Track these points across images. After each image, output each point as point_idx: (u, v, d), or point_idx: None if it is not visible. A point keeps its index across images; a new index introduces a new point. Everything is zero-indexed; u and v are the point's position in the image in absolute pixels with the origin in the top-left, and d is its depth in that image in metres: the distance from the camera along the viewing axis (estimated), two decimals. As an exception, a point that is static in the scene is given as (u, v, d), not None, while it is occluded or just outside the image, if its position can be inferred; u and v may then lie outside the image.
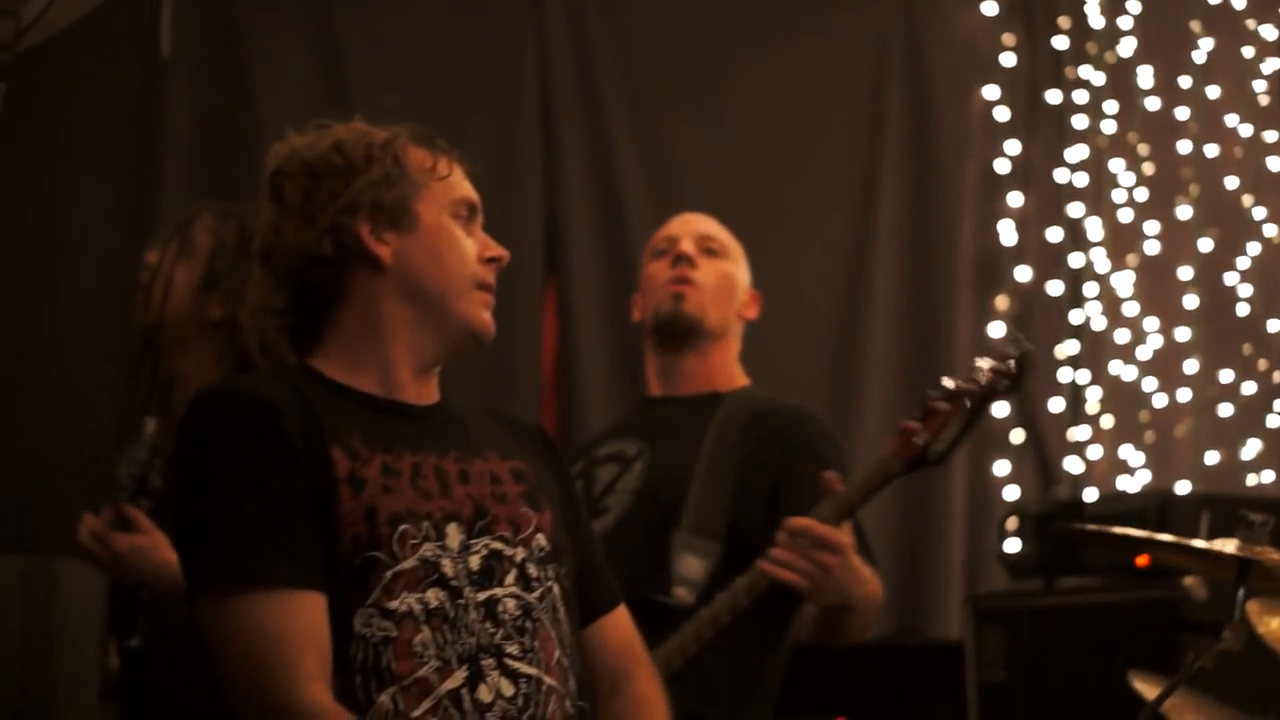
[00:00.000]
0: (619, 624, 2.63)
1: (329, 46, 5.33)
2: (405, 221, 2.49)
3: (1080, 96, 6.03)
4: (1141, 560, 4.45)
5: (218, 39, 5.21)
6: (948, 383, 2.93)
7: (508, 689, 2.33)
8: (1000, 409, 5.75)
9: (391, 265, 2.48)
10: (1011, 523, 5.02)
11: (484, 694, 2.30)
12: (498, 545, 2.40)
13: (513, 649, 2.35)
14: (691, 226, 3.82)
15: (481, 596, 2.35)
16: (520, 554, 2.42)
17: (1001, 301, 5.93)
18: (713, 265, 3.75)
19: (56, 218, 4.97)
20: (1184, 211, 6.02)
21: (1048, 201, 6.00)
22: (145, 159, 5.11)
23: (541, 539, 2.45)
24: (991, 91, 5.98)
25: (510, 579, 2.39)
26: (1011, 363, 2.86)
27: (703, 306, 3.71)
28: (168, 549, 3.37)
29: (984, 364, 2.89)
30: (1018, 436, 5.85)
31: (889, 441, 3.01)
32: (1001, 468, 5.82)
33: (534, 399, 5.42)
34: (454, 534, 2.37)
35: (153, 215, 5.01)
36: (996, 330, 5.88)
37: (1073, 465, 5.84)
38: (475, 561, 2.37)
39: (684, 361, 3.74)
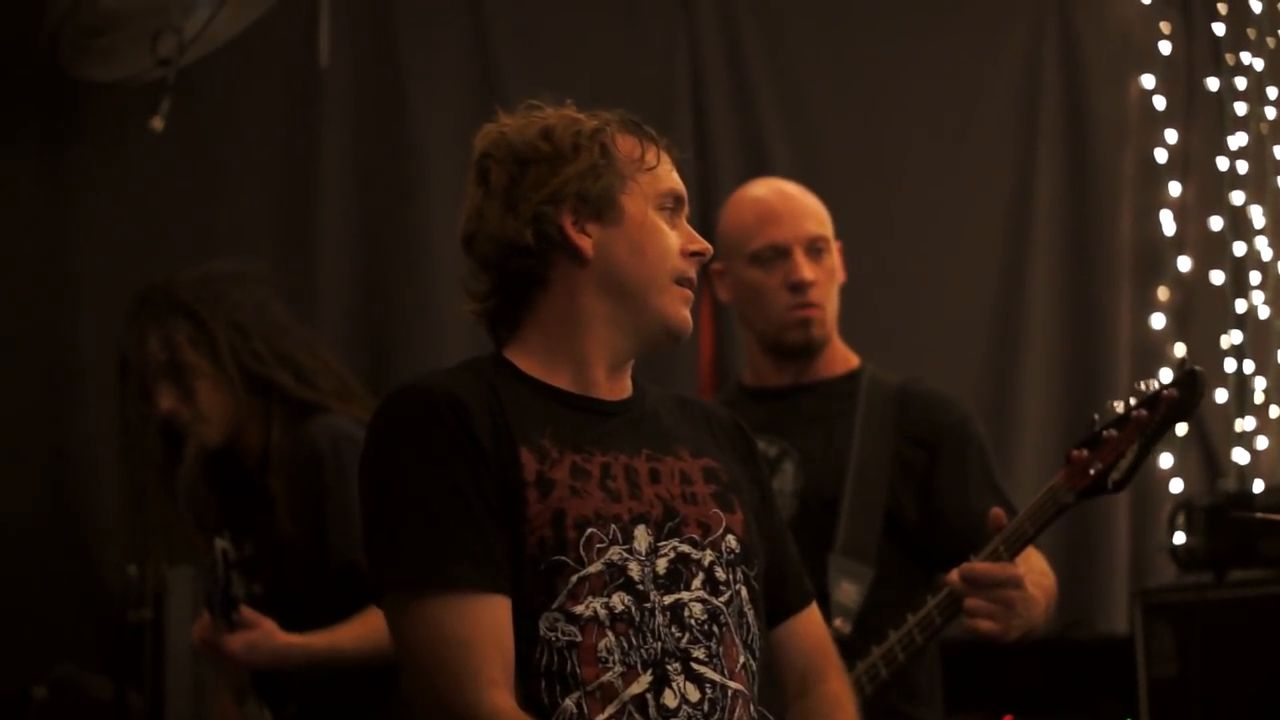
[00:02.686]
0: (811, 623, 2.61)
1: (483, 54, 5.34)
2: (609, 214, 2.47)
3: (1240, 82, 5.93)
4: (1317, 550, 4.40)
5: (374, 49, 5.24)
6: (1117, 407, 2.87)
7: (694, 694, 2.30)
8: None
9: (593, 258, 2.45)
10: (1179, 516, 4.95)
11: (669, 699, 2.28)
12: (686, 548, 2.38)
13: (699, 654, 2.33)
14: (797, 230, 3.61)
15: (668, 600, 2.33)
16: (709, 557, 2.39)
17: (1163, 293, 5.85)
18: (823, 269, 3.61)
19: (219, 228, 5.03)
20: (1349, 197, 5.91)
21: (1208, 190, 5.91)
22: (305, 169, 5.15)
23: (731, 540, 2.42)
24: (1148, 80, 5.90)
25: (697, 583, 2.36)
26: (1183, 387, 2.79)
27: (826, 322, 3.63)
28: (280, 633, 3.39)
29: (1152, 386, 2.82)
30: (1182, 429, 5.76)
31: (1059, 472, 2.94)
32: (1165, 460, 5.73)
33: (692, 395, 5.41)
34: (642, 536, 2.35)
35: (313, 225, 5.08)
36: (1158, 322, 5.80)
37: (1239, 457, 5.75)
38: (662, 565, 2.35)
39: (801, 360, 3.67)
